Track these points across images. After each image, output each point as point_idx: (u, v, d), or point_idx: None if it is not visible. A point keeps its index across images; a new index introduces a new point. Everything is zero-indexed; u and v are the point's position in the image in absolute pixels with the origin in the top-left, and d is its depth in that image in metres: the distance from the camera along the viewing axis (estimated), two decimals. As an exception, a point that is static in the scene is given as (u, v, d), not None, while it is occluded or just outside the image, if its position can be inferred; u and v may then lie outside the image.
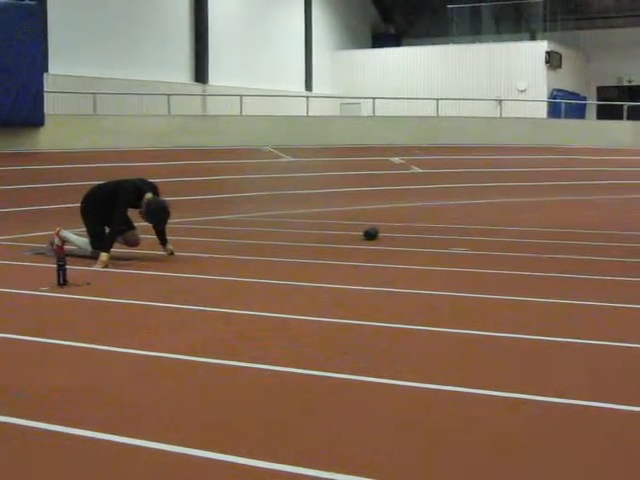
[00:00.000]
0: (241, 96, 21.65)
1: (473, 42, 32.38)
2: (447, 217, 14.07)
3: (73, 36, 22.45)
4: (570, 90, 32.03)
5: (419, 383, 4.54)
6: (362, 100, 27.79)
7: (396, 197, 17.03)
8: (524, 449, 3.62)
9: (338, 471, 3.34)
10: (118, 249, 9.09)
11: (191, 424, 3.96)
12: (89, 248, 9.13)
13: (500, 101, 26.58)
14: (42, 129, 16.92)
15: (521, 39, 32.22)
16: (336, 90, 32.24)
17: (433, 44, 32.68)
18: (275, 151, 20.34)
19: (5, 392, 4.50)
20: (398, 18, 35.96)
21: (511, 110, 27.66)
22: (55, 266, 7.53)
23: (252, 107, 22.57)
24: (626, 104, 26.79)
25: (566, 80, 32.00)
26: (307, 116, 23.38)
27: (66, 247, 9.06)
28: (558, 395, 4.29)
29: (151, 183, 9.21)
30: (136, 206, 8.96)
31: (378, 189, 17.99)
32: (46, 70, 19.56)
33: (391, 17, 35.94)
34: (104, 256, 8.58)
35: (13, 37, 15.82)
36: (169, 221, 9.19)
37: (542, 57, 30.60)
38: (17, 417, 4.01)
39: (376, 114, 24.15)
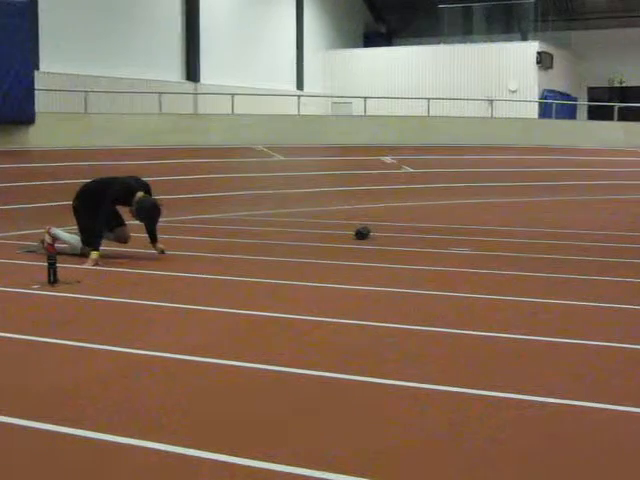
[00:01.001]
0: (232, 95, 21.63)
1: (464, 42, 32.44)
2: (438, 216, 14.09)
3: (64, 34, 22.40)
4: (561, 90, 32.12)
5: (418, 383, 4.54)
6: (353, 99, 27.80)
7: (387, 196, 17.04)
8: (523, 449, 3.62)
9: (336, 471, 3.34)
10: (108, 247, 9.08)
11: (187, 424, 3.95)
12: (80, 246, 9.12)
13: (491, 101, 26.63)
14: (33, 127, 16.87)
15: (512, 39, 32.31)
16: (327, 89, 32.26)
17: (424, 44, 32.75)
18: (266, 150, 20.33)
19: (-5, 390, 4.49)
20: (389, 18, 35.99)
21: (502, 110, 27.72)
22: (46, 264, 7.51)
23: (243, 106, 22.56)
24: (617, 105, 26.89)
25: (557, 80, 32.08)
26: (298, 115, 23.38)
27: (57, 245, 9.04)
28: (555, 395, 4.30)
29: (143, 182, 9.21)
30: (127, 204, 8.96)
31: (369, 188, 18.00)
32: (37, 68, 19.53)
33: (382, 17, 35.97)
34: (94, 254, 8.58)
35: (3, 35, 15.77)
36: (160, 220, 9.19)
37: (533, 57, 30.67)
38: (9, 416, 4.00)
39: (367, 113, 24.16)
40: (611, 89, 33.92)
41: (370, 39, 34.86)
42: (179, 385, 4.58)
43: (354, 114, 27.24)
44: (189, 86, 26.42)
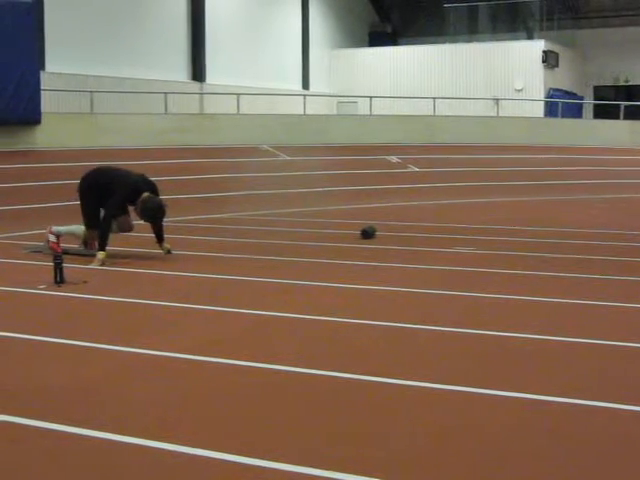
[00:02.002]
0: (238, 95, 21.63)
1: (470, 41, 32.40)
2: (445, 216, 14.07)
3: (70, 34, 22.42)
4: (567, 89, 32.05)
5: (421, 382, 4.54)
6: (359, 99, 27.78)
7: (393, 196, 17.03)
8: (528, 448, 3.62)
9: (339, 470, 3.34)
10: (115, 247, 9.09)
11: (190, 423, 3.95)
12: (82, 231, 9.19)
13: (497, 100, 26.58)
14: (39, 127, 16.88)
15: (518, 38, 32.24)
16: (333, 89, 32.24)
17: (430, 43, 32.70)
18: (272, 150, 20.33)
19: (3, 391, 4.49)
20: (395, 17, 35.96)
21: (508, 109, 27.66)
22: (52, 264, 7.53)
23: (249, 106, 22.55)
24: (623, 103, 26.81)
25: (563, 79, 32.02)
26: (304, 115, 23.36)
27: (63, 245, 9.08)
28: (563, 395, 4.29)
29: (151, 182, 9.20)
30: (133, 203, 8.98)
31: (375, 188, 17.99)
32: (43, 68, 19.54)
33: (388, 16, 35.94)
34: (101, 254, 8.60)
35: (9, 35, 15.78)
36: (165, 219, 9.20)
37: (539, 56, 30.60)
38: (16, 416, 4.01)
39: (373, 113, 24.15)
40: (617, 88, 33.84)
41: (375, 39, 34.82)
42: (186, 384, 4.58)
43: (359, 114, 27.22)
44: (195, 86, 26.43)
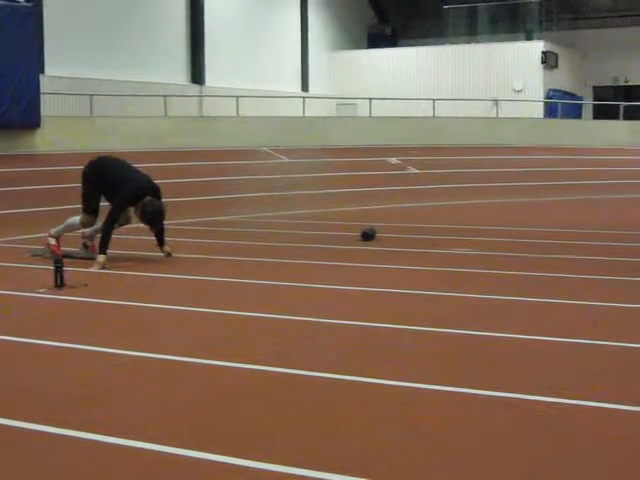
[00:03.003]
0: (237, 97, 21.64)
1: (469, 42, 32.40)
2: (445, 217, 14.08)
3: (69, 37, 22.43)
4: (566, 90, 32.05)
5: (417, 383, 4.55)
6: (358, 101, 27.79)
7: (393, 198, 17.03)
8: (521, 448, 3.63)
9: (337, 472, 3.35)
10: (115, 251, 9.10)
11: (185, 425, 3.96)
12: (77, 221, 9.29)
13: (496, 101, 26.59)
14: (39, 131, 16.89)
15: (517, 39, 32.23)
16: (332, 91, 32.25)
17: (429, 44, 32.69)
18: (272, 152, 20.34)
19: (3, 393, 4.50)
20: (394, 19, 35.96)
21: (507, 110, 27.66)
22: (52, 268, 7.54)
23: (248, 108, 22.56)
24: (622, 104, 26.81)
25: (562, 80, 32.02)
26: (303, 117, 23.37)
27: (63, 248, 9.11)
28: (553, 394, 4.30)
29: (154, 185, 9.15)
30: (134, 205, 8.97)
31: (375, 190, 17.99)
32: (42, 72, 19.54)
33: (387, 18, 35.95)
34: (101, 257, 8.61)
35: (9, 38, 15.80)
36: (165, 222, 9.20)
37: (538, 57, 30.61)
38: (14, 419, 4.02)
39: (372, 115, 24.15)
40: (616, 88, 33.84)
41: (375, 40, 34.82)
42: (184, 387, 4.59)
43: (359, 115, 27.22)
44: (194, 89, 26.44)
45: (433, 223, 13.03)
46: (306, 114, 23.67)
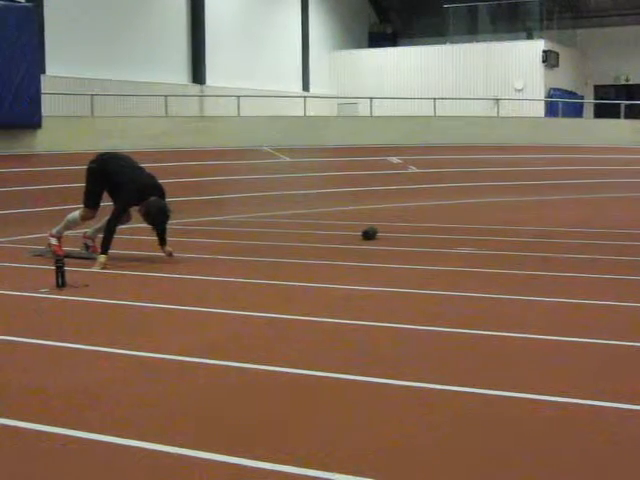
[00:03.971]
0: (238, 97, 21.64)
1: (470, 41, 32.40)
2: (445, 217, 14.07)
3: (70, 37, 22.44)
4: (567, 89, 32.05)
5: (420, 383, 4.54)
6: (359, 100, 27.79)
7: (394, 197, 17.03)
8: (524, 448, 3.62)
9: (336, 471, 3.34)
10: (116, 250, 9.09)
11: (188, 425, 3.95)
12: (76, 217, 9.29)
13: (497, 100, 26.59)
14: (40, 131, 16.90)
15: (518, 38, 32.23)
16: (333, 90, 32.25)
17: (430, 44, 32.70)
18: (273, 151, 20.33)
19: (4, 394, 4.49)
20: (395, 18, 35.98)
21: (508, 109, 27.66)
22: (54, 268, 7.53)
23: (249, 108, 22.56)
24: (623, 102, 26.82)
25: (563, 79, 32.02)
26: (304, 116, 23.37)
27: (65, 248, 9.10)
28: (558, 394, 4.29)
29: (159, 186, 9.13)
30: (138, 204, 8.96)
31: (376, 189, 17.99)
32: (43, 71, 19.55)
33: (388, 17, 35.95)
34: (102, 257, 8.60)
35: (9, 39, 15.80)
36: (169, 222, 9.18)
37: (539, 56, 30.61)
38: (16, 419, 4.01)
39: (373, 114, 24.15)
40: (617, 87, 33.83)
41: (375, 39, 34.84)
42: (186, 386, 4.58)
43: (360, 115, 27.22)
44: (195, 88, 26.44)
45: (433, 222, 13.00)
46: (307, 114, 23.67)
